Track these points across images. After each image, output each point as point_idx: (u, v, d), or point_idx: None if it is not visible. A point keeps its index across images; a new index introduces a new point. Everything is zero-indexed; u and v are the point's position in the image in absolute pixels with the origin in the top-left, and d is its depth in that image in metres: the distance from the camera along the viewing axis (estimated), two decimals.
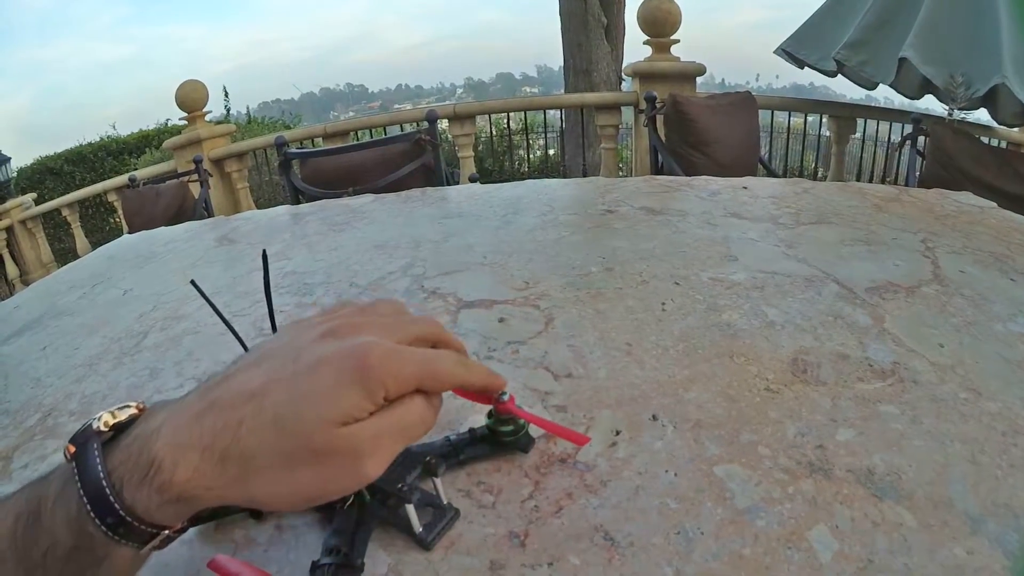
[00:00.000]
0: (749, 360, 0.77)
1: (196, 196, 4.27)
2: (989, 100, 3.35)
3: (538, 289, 1.02)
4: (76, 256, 6.14)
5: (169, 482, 0.40)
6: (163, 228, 1.91)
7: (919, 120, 3.45)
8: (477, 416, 0.69)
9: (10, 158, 7.90)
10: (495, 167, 8.04)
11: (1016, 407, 0.67)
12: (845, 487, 0.57)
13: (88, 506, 0.40)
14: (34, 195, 7.72)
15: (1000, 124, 3.78)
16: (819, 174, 5.86)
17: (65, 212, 6.95)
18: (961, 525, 0.52)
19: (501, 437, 0.63)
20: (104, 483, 0.40)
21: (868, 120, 4.91)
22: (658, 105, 3.48)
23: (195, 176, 4.41)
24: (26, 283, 7.04)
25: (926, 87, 3.56)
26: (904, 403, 0.67)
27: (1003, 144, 4.26)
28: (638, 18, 4.78)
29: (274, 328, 0.64)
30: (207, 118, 5.99)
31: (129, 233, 2.33)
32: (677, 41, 4.77)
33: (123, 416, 0.44)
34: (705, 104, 3.46)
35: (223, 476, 0.40)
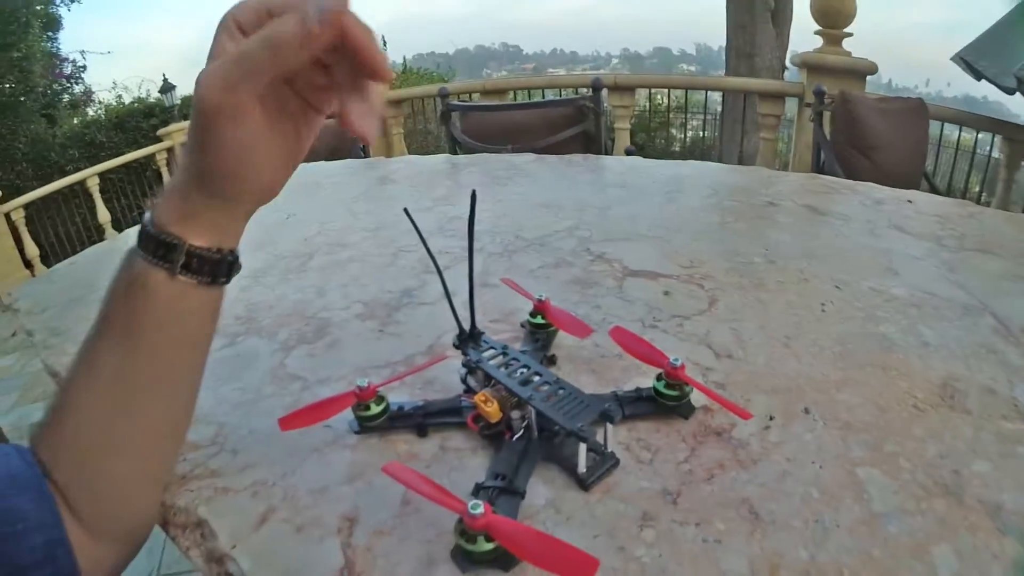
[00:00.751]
0: (901, 375, 0.78)
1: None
2: None
3: (702, 269, 1.05)
4: None
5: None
6: (323, 162, 2.02)
7: None
8: (643, 378, 0.74)
9: (176, 86, 8.32)
10: (646, 143, 7.95)
11: None
12: (973, 515, 0.58)
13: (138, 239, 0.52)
14: None
15: None
16: (982, 198, 5.53)
17: None
18: None
19: (666, 400, 0.68)
20: (146, 218, 0.52)
21: None
22: (827, 100, 3.36)
23: None
24: None
25: None
26: None
27: None
28: (811, 6, 4.58)
29: (471, 265, 0.68)
30: None
31: None
32: (850, 35, 4.56)
33: None
34: (875, 106, 3.32)
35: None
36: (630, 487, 0.60)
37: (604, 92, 4.66)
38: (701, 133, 7.56)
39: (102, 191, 7.09)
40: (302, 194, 1.61)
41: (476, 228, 1.21)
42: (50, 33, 9.59)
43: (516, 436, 0.64)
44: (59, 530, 0.50)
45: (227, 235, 0.53)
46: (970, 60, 4.05)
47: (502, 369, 0.67)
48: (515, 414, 0.65)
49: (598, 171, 1.68)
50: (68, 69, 9.98)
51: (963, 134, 4.99)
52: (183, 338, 0.54)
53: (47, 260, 6.51)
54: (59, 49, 9.90)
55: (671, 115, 7.32)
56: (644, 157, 1.80)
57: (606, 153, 2.77)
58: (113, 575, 0.56)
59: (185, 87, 9.15)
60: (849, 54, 4.59)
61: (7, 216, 6.25)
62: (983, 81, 4.07)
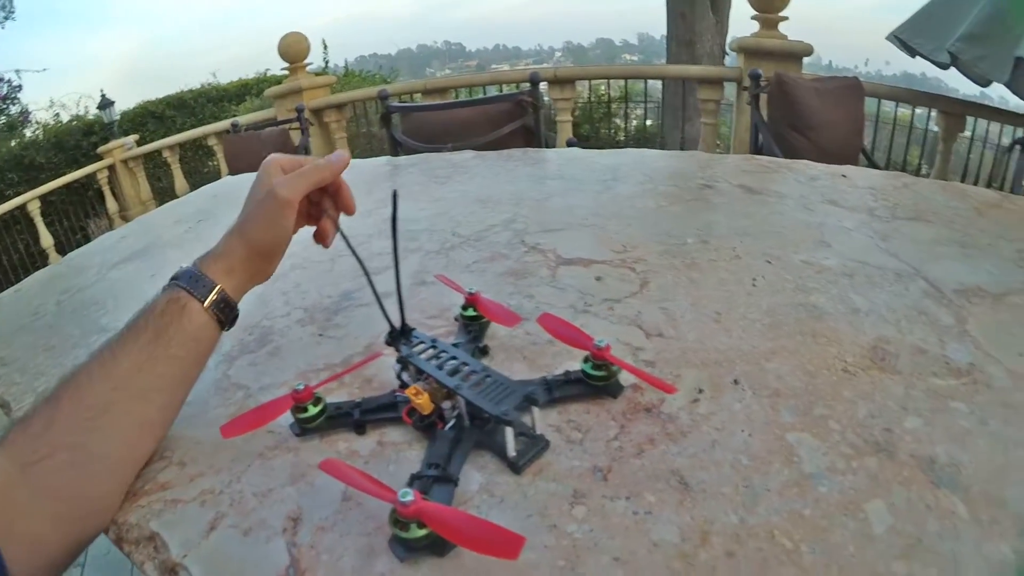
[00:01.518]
0: (831, 341, 0.80)
1: (296, 143, 4.37)
2: None
3: (635, 253, 1.06)
4: (175, 195, 6.38)
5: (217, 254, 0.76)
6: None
7: None
8: (573, 361, 0.75)
9: (114, 102, 8.18)
10: (591, 133, 7.98)
11: None
12: (906, 470, 0.59)
13: (200, 286, 0.72)
14: (136, 137, 8.00)
15: None
16: (922, 171, 5.64)
17: (166, 153, 7.18)
18: (1011, 525, 0.54)
19: (593, 381, 0.70)
20: (192, 265, 0.74)
21: (980, 119, 4.68)
22: (762, 83, 3.41)
23: (296, 124, 4.51)
24: (125, 219, 7.35)
25: None
26: (975, 403, 0.69)
27: None
28: None
29: (396, 263, 0.70)
30: (307, 69, 6.10)
31: (229, 175, 2.43)
32: (786, 18, 4.62)
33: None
34: (811, 86, 3.38)
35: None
36: (561, 467, 0.61)
37: (544, 86, 4.66)
38: (645, 121, 7.61)
39: (44, 214, 6.97)
40: (243, 205, 1.59)
41: (415, 228, 1.23)
42: None
43: (448, 426, 0.65)
44: None
45: (238, 294, 0.76)
46: (904, 38, 4.12)
47: (432, 362, 0.68)
48: (446, 404, 0.66)
49: (537, 164, 1.69)
50: (4, 89, 9.78)
51: (901, 110, 5.07)
52: (193, 356, 0.71)
53: None
54: None
55: (614, 105, 7.35)
56: (589, 147, 1.82)
57: (547, 146, 2.78)
58: (57, 563, 0.60)
59: (123, 103, 9.03)
60: (785, 37, 4.65)
61: None
62: (918, 58, 4.14)
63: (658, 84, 6.42)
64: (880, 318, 0.85)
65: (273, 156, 0.80)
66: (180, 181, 7.16)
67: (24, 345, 1.05)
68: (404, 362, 0.71)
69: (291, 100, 5.79)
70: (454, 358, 0.69)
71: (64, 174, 7.56)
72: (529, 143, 2.73)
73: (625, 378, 0.71)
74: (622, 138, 7.72)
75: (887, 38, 4.25)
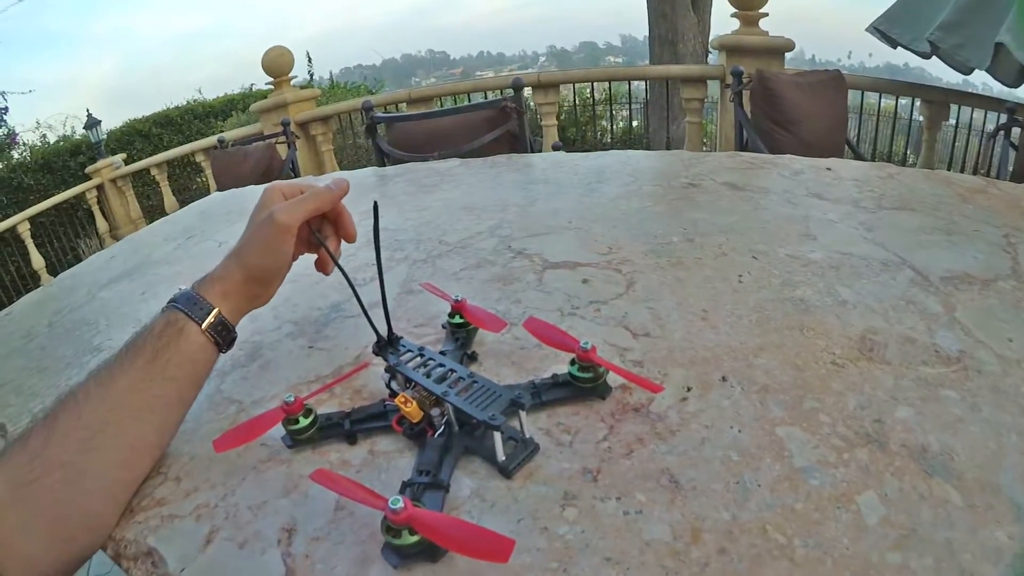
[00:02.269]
0: (818, 334, 0.80)
1: (283, 157, 4.36)
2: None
3: (620, 255, 1.06)
4: (164, 213, 6.37)
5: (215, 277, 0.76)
6: (253, 186, 2.00)
7: (1013, 110, 3.28)
8: (560, 365, 0.75)
9: (100, 121, 8.17)
10: (577, 136, 7.99)
11: None
12: (898, 460, 0.60)
13: (198, 309, 0.73)
14: (123, 156, 8.00)
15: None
16: (909, 160, 5.66)
17: (154, 171, 7.20)
18: (1006, 511, 0.54)
19: (581, 383, 0.70)
20: (189, 288, 0.75)
21: (963, 107, 4.69)
22: (744, 80, 3.42)
23: (282, 138, 4.50)
24: (115, 238, 7.35)
25: None
26: (966, 390, 0.69)
27: None
28: None
29: (380, 273, 0.70)
30: (292, 83, 6.11)
31: (217, 191, 2.42)
32: (766, 15, 4.64)
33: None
34: (793, 81, 3.40)
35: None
36: (551, 470, 0.62)
37: (528, 91, 4.66)
38: (630, 123, 7.63)
39: (34, 236, 6.96)
40: (231, 221, 1.60)
41: (401, 237, 1.23)
42: None
43: (438, 433, 0.65)
44: None
45: (236, 317, 0.77)
46: (884, 29, 4.13)
47: (419, 370, 0.69)
48: (435, 412, 0.66)
49: (522, 169, 1.69)
50: None
51: (885, 101, 5.10)
52: (190, 378, 0.72)
53: None
54: None
55: (599, 108, 7.37)
56: (578, 151, 1.82)
57: (533, 151, 2.79)
58: None
59: (109, 122, 9.02)
60: (766, 34, 4.68)
61: None
62: (899, 49, 4.16)
63: (643, 85, 6.44)
64: (868, 309, 0.85)
65: (274, 183, 0.83)
66: (169, 198, 7.16)
67: (18, 367, 1.05)
68: (392, 371, 0.71)
69: (277, 114, 5.80)
70: (441, 365, 0.69)
71: (53, 195, 7.56)
72: (515, 149, 2.74)
73: (613, 379, 0.71)
74: (609, 140, 7.73)
75: (867, 30, 4.26)
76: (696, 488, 0.58)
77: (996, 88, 4.04)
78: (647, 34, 7.87)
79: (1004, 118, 3.30)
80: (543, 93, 5.07)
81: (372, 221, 0.73)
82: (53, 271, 6.83)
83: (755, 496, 0.56)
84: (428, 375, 0.68)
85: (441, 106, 5.46)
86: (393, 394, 0.70)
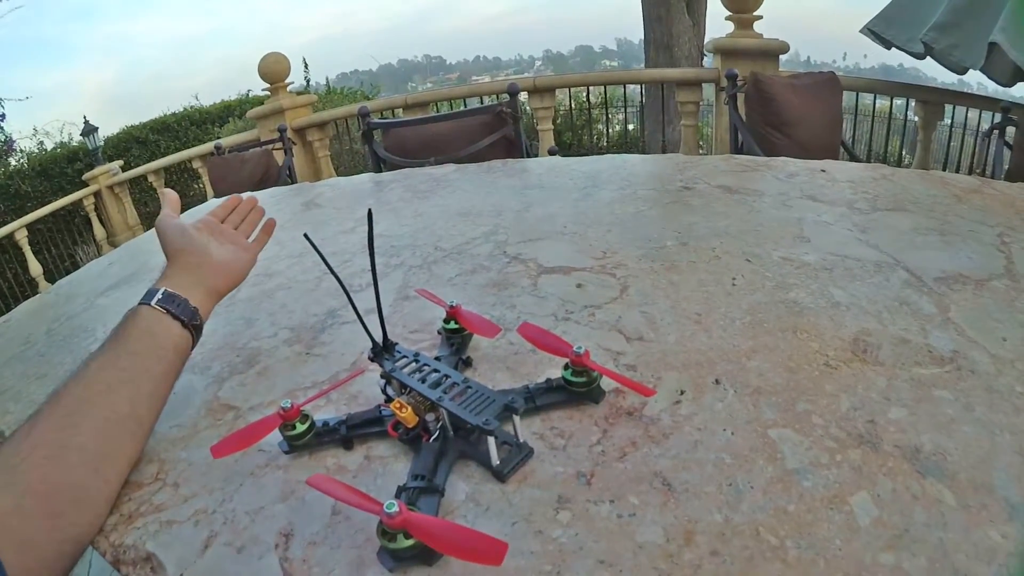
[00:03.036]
0: (812, 336, 0.80)
1: (280, 163, 4.35)
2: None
3: (615, 259, 1.07)
4: None
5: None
6: (250, 192, 2.00)
7: (1008, 109, 3.28)
8: (555, 369, 0.76)
9: (97, 128, 8.15)
10: (574, 140, 7.97)
11: None
12: (891, 461, 0.60)
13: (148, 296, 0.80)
14: (120, 162, 7.97)
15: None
16: (904, 161, 5.67)
17: (151, 178, 7.17)
18: (1000, 510, 0.54)
19: (575, 388, 0.70)
20: (157, 287, 0.82)
21: (958, 106, 4.69)
22: (739, 83, 3.43)
23: (279, 144, 4.47)
24: (113, 244, 7.33)
25: (1019, 74, 3.40)
26: (959, 390, 0.69)
27: None
28: None
29: (375, 280, 0.70)
30: (288, 89, 6.10)
31: (215, 198, 2.42)
32: (760, 17, 4.63)
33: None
34: (787, 83, 3.39)
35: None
36: (545, 474, 0.62)
37: (525, 95, 4.67)
38: (627, 126, 7.62)
39: (31, 243, 6.94)
40: None
41: (398, 243, 1.24)
42: None
43: (433, 437, 0.66)
44: None
45: (185, 291, 0.83)
46: (878, 31, 4.12)
47: (414, 376, 0.69)
48: (430, 417, 0.67)
49: (517, 175, 1.69)
50: None
51: (881, 102, 5.10)
52: (152, 350, 0.76)
53: None
54: None
55: (595, 112, 7.36)
56: (574, 155, 1.82)
57: (529, 156, 2.79)
58: (51, 565, 0.61)
59: (107, 128, 8.99)
60: (760, 36, 4.67)
61: None
62: (893, 50, 4.16)
63: (639, 88, 6.44)
64: (861, 310, 0.86)
65: (204, 220, 0.98)
66: None
67: (17, 374, 1.06)
68: (388, 377, 0.71)
69: (274, 120, 5.78)
70: (436, 371, 0.69)
71: (50, 202, 7.54)
72: (511, 154, 2.73)
73: (607, 383, 0.72)
74: (605, 144, 7.73)
75: (861, 31, 4.26)
76: (689, 491, 0.58)
77: (991, 87, 4.04)
78: (642, 38, 7.87)
79: (999, 117, 3.30)
80: (539, 98, 5.06)
81: (384, 226, 0.73)
82: (51, 278, 6.82)
83: (748, 498, 0.57)
84: (423, 380, 0.68)
85: (438, 111, 5.46)
86: (389, 400, 0.70)
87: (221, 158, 4.39)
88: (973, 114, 4.69)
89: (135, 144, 9.48)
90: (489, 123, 2.82)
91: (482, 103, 4.72)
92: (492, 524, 0.57)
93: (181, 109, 10.30)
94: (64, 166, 8.75)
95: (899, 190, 1.31)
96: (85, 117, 8.23)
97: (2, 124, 9.92)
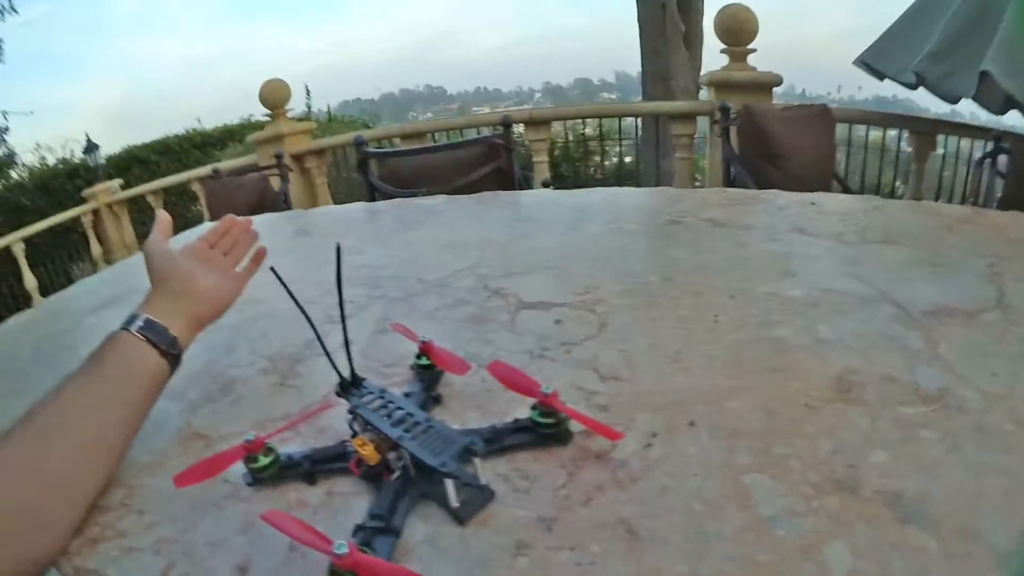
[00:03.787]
0: (794, 375, 0.78)
1: (276, 189, 4.35)
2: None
3: (596, 294, 1.05)
4: None
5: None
6: (244, 218, 2.00)
7: (999, 137, 3.29)
8: (525, 408, 0.73)
9: (99, 146, 8.18)
10: (570, 172, 8.02)
11: None
12: (870, 507, 0.58)
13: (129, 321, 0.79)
14: (121, 181, 8.00)
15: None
16: (898, 191, 5.68)
17: (150, 198, 7.18)
18: (987, 558, 0.52)
19: (542, 428, 0.69)
20: (138, 313, 0.81)
21: (951, 136, 4.70)
22: (732, 116, 3.45)
23: (276, 170, 4.50)
24: (109, 262, 7.31)
25: (1010, 103, 3.41)
26: (945, 429, 0.67)
27: None
28: (715, 26, 4.66)
29: (343, 315, 0.69)
30: (289, 115, 6.12)
31: (211, 221, 2.42)
32: (754, 50, 4.66)
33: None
34: (779, 116, 3.41)
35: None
36: (506, 517, 0.60)
37: (521, 127, 4.69)
38: (624, 159, 7.65)
39: (28, 256, 6.93)
40: None
41: (381, 274, 1.23)
42: None
43: (394, 476, 0.64)
44: None
45: (162, 317, 0.82)
46: (870, 62, 4.15)
47: (379, 411, 0.68)
48: (392, 455, 0.65)
49: (508, 206, 1.69)
50: None
51: (874, 133, 5.13)
52: (123, 375, 0.76)
53: None
54: None
55: (592, 144, 7.39)
56: (570, 187, 1.82)
57: (523, 187, 2.80)
58: None
59: (108, 147, 9.02)
60: (754, 69, 4.69)
61: None
62: (887, 81, 4.18)
63: (635, 121, 6.47)
64: (846, 347, 0.84)
65: (192, 247, 0.96)
66: None
67: (3, 391, 1.04)
68: (354, 412, 0.70)
69: (273, 146, 5.79)
70: (400, 408, 0.68)
71: (49, 217, 7.55)
72: (504, 185, 2.74)
73: (576, 424, 0.70)
74: (601, 176, 7.76)
75: (854, 63, 4.29)
76: (654, 539, 0.56)
77: (984, 116, 4.05)
78: (641, 71, 7.91)
79: (991, 146, 3.31)
80: (535, 130, 5.07)
81: (353, 257, 0.73)
82: (45, 292, 6.78)
83: (716, 547, 0.55)
84: (388, 417, 0.67)
85: (435, 141, 5.48)
86: (355, 435, 0.69)
87: (219, 182, 4.42)
88: (966, 143, 4.70)
89: (136, 163, 9.55)
90: (482, 155, 2.83)
91: (479, 134, 4.74)
92: (448, 568, 0.56)
93: (183, 131, 10.37)
94: (64, 182, 8.82)
95: (890, 221, 1.30)
96: (87, 135, 8.24)
97: (4, 137, 9.97)
